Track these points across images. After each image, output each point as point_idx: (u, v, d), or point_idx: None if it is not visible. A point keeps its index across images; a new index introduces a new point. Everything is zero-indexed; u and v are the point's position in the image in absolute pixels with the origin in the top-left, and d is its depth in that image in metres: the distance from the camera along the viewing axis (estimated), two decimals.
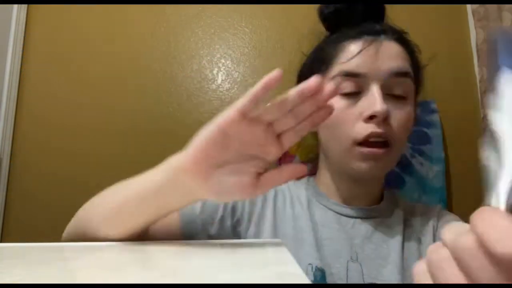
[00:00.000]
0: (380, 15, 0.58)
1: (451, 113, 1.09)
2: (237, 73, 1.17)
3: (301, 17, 1.10)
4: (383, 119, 0.48)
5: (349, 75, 0.49)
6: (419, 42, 1.14)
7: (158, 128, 1.13)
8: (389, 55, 0.50)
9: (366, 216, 0.56)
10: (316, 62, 0.55)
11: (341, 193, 0.57)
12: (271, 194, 0.59)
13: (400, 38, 0.54)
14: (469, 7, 1.12)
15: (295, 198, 0.59)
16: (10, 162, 1.12)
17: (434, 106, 1.06)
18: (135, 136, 1.13)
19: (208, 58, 1.18)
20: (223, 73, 1.17)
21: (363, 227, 0.55)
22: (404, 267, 0.51)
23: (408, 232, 0.56)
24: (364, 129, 0.49)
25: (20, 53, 1.16)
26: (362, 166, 0.51)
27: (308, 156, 0.68)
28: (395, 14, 1.17)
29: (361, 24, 0.54)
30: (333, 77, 0.50)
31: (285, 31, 1.15)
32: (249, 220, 0.55)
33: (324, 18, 0.59)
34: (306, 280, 0.25)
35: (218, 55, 1.18)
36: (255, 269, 0.29)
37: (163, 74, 1.17)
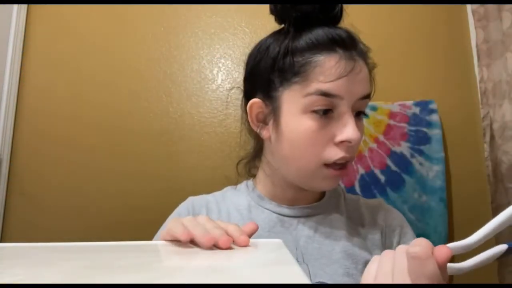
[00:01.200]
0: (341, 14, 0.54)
1: (451, 113, 1.09)
2: (237, 73, 1.17)
3: None
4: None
5: (326, 95, 0.48)
6: (419, 42, 1.15)
7: (158, 128, 1.13)
8: (361, 79, 0.50)
9: (308, 214, 0.56)
10: (284, 71, 0.50)
11: (285, 196, 0.57)
12: (202, 213, 0.58)
13: (366, 56, 0.53)
14: (469, 7, 1.12)
15: (232, 208, 0.58)
16: (10, 162, 1.12)
17: (434, 106, 1.06)
18: (136, 136, 1.13)
19: (208, 58, 1.18)
20: (223, 73, 1.17)
21: (306, 227, 0.55)
22: (349, 261, 0.52)
23: (352, 225, 0.57)
24: (335, 152, 0.49)
25: (20, 53, 1.17)
26: (323, 184, 0.53)
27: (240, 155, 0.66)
28: (396, 14, 1.18)
29: (324, 25, 0.51)
30: (308, 94, 0.48)
31: None
32: None
33: (282, 9, 0.54)
34: (306, 280, 0.25)
35: (218, 55, 1.18)
36: (255, 269, 0.29)
37: (163, 74, 1.17)
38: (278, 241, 0.38)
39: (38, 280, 0.23)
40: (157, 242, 0.38)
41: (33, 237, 1.07)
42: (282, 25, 0.56)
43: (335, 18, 0.52)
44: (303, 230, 0.55)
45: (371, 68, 0.54)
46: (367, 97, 0.51)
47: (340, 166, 0.50)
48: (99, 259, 0.30)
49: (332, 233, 0.55)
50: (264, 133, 0.55)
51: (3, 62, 1.12)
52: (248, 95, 0.58)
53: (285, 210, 0.56)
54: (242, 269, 0.29)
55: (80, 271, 0.26)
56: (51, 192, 1.10)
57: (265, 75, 0.53)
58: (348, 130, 0.48)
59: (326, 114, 0.49)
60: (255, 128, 0.56)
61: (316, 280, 0.50)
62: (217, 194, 0.63)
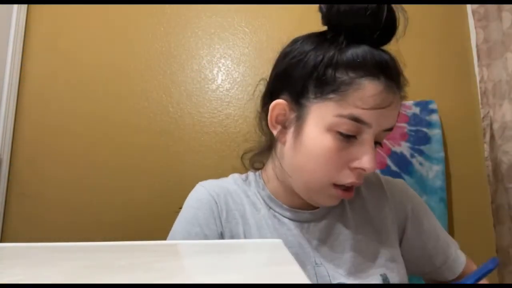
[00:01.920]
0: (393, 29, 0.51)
1: (451, 113, 1.09)
2: (237, 73, 1.17)
3: (301, 17, 1.11)
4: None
5: (357, 121, 0.46)
6: (419, 42, 1.15)
7: (158, 128, 1.13)
8: (393, 113, 0.49)
9: (317, 218, 0.57)
10: (323, 83, 0.48)
11: (293, 200, 0.57)
12: (232, 206, 0.55)
13: (403, 91, 0.52)
14: (469, 7, 1.12)
15: (250, 204, 0.57)
16: (10, 162, 1.12)
17: (434, 106, 1.06)
18: (135, 136, 1.13)
19: (208, 58, 1.18)
20: (223, 73, 1.17)
21: (317, 230, 0.55)
22: (359, 259, 0.54)
23: (355, 215, 0.58)
24: (348, 177, 0.49)
25: (20, 53, 1.17)
26: (325, 201, 0.53)
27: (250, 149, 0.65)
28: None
29: (372, 44, 0.48)
30: (339, 116, 0.47)
31: (285, 31, 1.15)
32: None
33: (337, 14, 0.49)
34: (306, 280, 0.25)
35: (218, 55, 1.18)
36: (255, 269, 0.29)
37: (163, 74, 1.17)
38: (278, 241, 0.38)
39: (38, 280, 0.23)
40: (158, 242, 0.38)
41: (33, 237, 1.07)
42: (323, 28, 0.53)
43: (387, 41, 0.50)
44: (315, 233, 0.55)
45: (401, 100, 0.53)
46: (391, 129, 0.50)
47: (347, 187, 0.51)
48: (99, 259, 0.30)
49: (341, 234, 0.56)
50: (281, 137, 0.54)
51: (3, 62, 1.12)
52: (273, 92, 0.55)
53: (298, 215, 0.56)
54: (242, 269, 0.29)
55: (80, 271, 0.26)
56: (51, 192, 1.10)
57: (300, 80, 0.50)
58: (366, 160, 0.47)
59: (349, 137, 0.48)
60: (272, 129, 0.54)
61: (336, 281, 0.51)
62: (229, 182, 0.60)
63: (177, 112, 1.15)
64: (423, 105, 1.06)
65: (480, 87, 1.05)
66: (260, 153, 0.62)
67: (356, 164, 0.48)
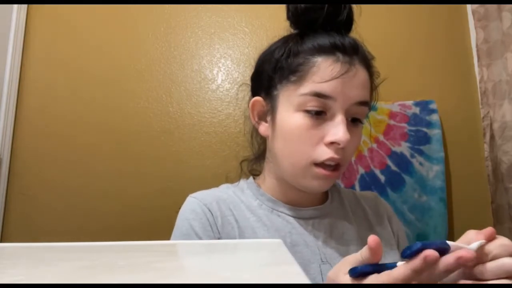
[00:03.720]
0: (349, 21, 0.55)
1: (451, 113, 1.09)
2: (237, 73, 1.17)
3: None
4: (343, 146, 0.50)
5: (319, 96, 0.48)
6: (419, 42, 1.15)
7: (158, 128, 1.13)
8: (358, 84, 0.50)
9: (321, 215, 0.57)
10: (284, 70, 0.52)
11: (292, 198, 0.57)
12: (226, 212, 0.55)
13: (368, 64, 0.53)
14: (469, 7, 1.13)
15: (244, 208, 0.57)
16: (10, 162, 1.12)
17: (434, 106, 1.06)
18: (135, 136, 1.13)
19: (208, 58, 1.18)
20: (223, 73, 1.17)
21: (322, 227, 0.56)
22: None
23: (358, 219, 0.59)
24: (325, 153, 0.50)
25: (20, 53, 1.16)
26: (313, 184, 0.52)
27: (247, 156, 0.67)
28: (396, 14, 1.18)
29: (331, 32, 0.52)
30: (302, 94, 0.49)
31: (285, 31, 1.15)
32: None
33: (292, 16, 0.55)
34: (306, 280, 0.25)
35: (218, 55, 1.18)
36: (255, 269, 0.29)
37: (163, 74, 1.17)
38: (278, 241, 0.38)
39: (38, 280, 0.23)
40: (158, 242, 0.38)
41: (33, 237, 1.07)
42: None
43: (342, 26, 0.53)
44: (320, 230, 0.55)
45: (373, 76, 0.54)
46: (364, 104, 0.51)
47: (332, 168, 0.51)
48: (99, 259, 0.30)
49: (345, 233, 0.56)
50: (261, 129, 0.57)
51: (3, 62, 1.12)
52: (253, 93, 0.60)
53: (300, 212, 0.56)
54: (242, 269, 0.29)
55: (80, 271, 0.26)
56: (51, 192, 1.10)
57: (267, 75, 0.55)
58: (337, 132, 0.48)
59: (319, 114, 0.49)
60: (257, 126, 0.58)
61: None
62: (220, 190, 0.61)
63: (177, 112, 1.15)
64: (423, 105, 1.06)
65: (480, 87, 1.05)
66: (258, 158, 0.64)
67: (328, 138, 0.49)
